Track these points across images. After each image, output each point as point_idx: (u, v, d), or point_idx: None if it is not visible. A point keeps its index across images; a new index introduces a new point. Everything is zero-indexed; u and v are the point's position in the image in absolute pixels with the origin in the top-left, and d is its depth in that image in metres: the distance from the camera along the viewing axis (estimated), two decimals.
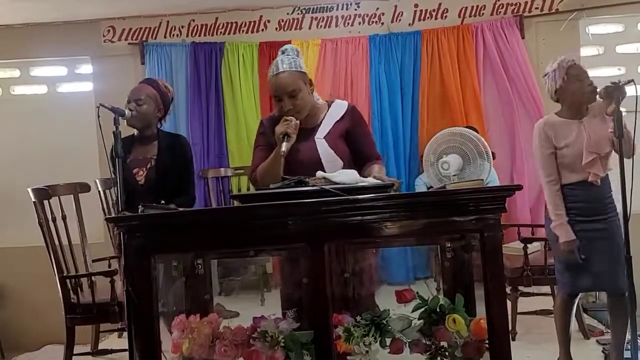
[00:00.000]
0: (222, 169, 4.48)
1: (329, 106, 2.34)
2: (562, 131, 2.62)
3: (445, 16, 4.49)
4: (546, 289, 3.47)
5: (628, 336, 2.59)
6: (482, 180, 1.89)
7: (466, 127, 4.10)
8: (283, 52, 2.29)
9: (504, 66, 4.35)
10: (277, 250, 2.13)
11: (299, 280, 1.85)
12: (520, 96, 4.32)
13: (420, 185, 4.16)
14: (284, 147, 2.12)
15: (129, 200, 2.62)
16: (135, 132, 2.81)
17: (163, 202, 2.54)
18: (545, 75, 2.69)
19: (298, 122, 2.18)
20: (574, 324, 2.81)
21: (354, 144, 2.29)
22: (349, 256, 2.02)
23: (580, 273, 2.59)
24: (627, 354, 2.62)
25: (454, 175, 2.04)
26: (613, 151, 2.53)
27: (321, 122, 2.29)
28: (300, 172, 2.02)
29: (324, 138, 2.25)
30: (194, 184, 2.85)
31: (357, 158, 2.29)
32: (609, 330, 2.86)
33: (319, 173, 1.97)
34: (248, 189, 4.38)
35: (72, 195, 3.19)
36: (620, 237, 2.44)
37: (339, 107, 2.32)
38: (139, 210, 1.85)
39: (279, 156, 2.14)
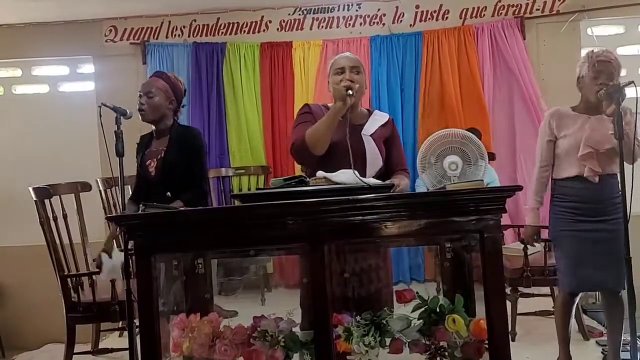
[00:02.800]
0: (223, 168, 4.48)
1: (370, 113, 2.44)
2: (566, 122, 2.63)
3: (446, 17, 4.49)
4: (546, 289, 3.47)
5: (626, 336, 2.60)
6: (482, 180, 1.89)
7: (468, 129, 4.11)
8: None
9: (505, 67, 4.35)
10: (277, 250, 2.13)
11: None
12: (520, 97, 4.33)
13: (421, 186, 4.16)
14: (349, 100, 2.17)
15: (144, 191, 2.66)
16: (153, 127, 2.83)
17: (169, 193, 2.56)
18: (581, 60, 2.67)
19: (358, 86, 2.24)
20: (573, 325, 2.82)
21: (389, 153, 2.39)
22: (349, 256, 2.03)
23: (582, 272, 2.59)
24: (625, 355, 2.63)
25: (454, 176, 2.05)
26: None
27: (366, 122, 2.37)
28: (344, 163, 2.03)
29: (370, 136, 2.33)
30: (205, 176, 2.84)
31: (387, 166, 2.38)
32: (607, 331, 2.86)
33: (319, 173, 1.97)
34: (249, 189, 4.39)
35: (73, 195, 3.20)
36: (622, 238, 2.44)
37: (381, 116, 2.45)
38: (140, 209, 1.86)
39: (337, 114, 2.18)
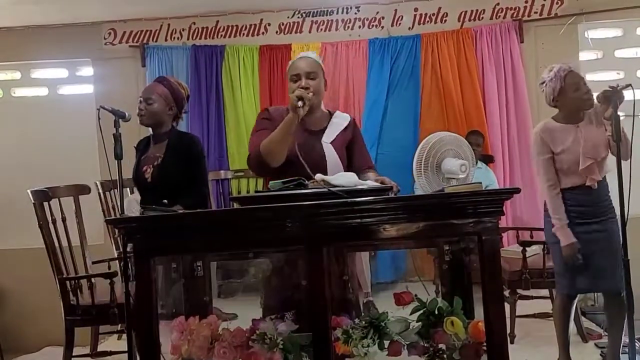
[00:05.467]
0: (222, 171, 4.48)
1: (331, 115, 2.39)
2: (559, 136, 2.64)
3: (445, 20, 4.50)
4: (545, 292, 3.47)
5: (625, 339, 2.60)
6: (481, 183, 1.90)
7: (471, 131, 4.12)
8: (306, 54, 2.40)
9: (502, 70, 4.37)
10: (276, 253, 2.13)
11: (296, 282, 1.86)
12: (514, 100, 4.35)
13: (419, 191, 4.15)
14: (301, 110, 2.11)
15: (142, 196, 2.68)
16: (151, 131, 2.84)
17: (166, 201, 2.56)
18: (542, 83, 2.70)
19: (311, 95, 2.18)
20: (572, 327, 2.82)
21: (352, 154, 2.37)
22: (348, 259, 2.03)
23: (579, 274, 2.61)
24: (624, 358, 2.63)
25: (452, 179, 2.04)
26: (610, 154, 2.55)
27: (326, 128, 2.34)
28: (303, 172, 2.00)
29: (331, 143, 2.30)
30: (204, 182, 2.83)
31: (351, 167, 2.35)
32: (607, 333, 2.86)
33: (318, 175, 1.97)
34: (248, 192, 4.39)
35: (72, 197, 3.19)
36: (618, 238, 2.46)
37: (342, 118, 2.40)
38: (139, 212, 1.87)
39: (290, 124, 2.13)
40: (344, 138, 2.35)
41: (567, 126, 2.65)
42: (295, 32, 4.58)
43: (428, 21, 4.51)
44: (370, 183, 1.98)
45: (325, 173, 2.13)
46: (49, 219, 2.96)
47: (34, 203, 2.92)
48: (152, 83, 2.88)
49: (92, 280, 2.95)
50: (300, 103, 2.11)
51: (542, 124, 2.73)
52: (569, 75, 2.60)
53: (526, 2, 4.42)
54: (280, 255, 1.96)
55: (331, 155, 2.28)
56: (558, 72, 2.63)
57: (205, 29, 4.59)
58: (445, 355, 1.80)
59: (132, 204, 2.87)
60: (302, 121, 2.22)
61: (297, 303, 1.93)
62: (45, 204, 2.95)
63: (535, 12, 4.41)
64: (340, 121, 2.37)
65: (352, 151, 2.37)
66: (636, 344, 2.40)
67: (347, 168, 2.34)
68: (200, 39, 4.59)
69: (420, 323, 1.84)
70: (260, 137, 2.22)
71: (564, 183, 2.64)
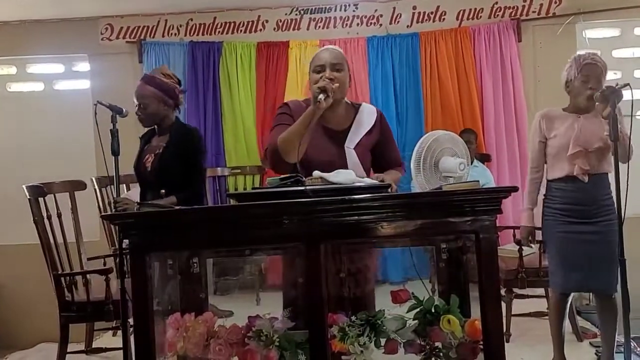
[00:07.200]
0: (219, 168, 4.48)
1: (356, 110, 2.25)
2: (556, 123, 2.65)
3: (443, 19, 4.50)
4: (540, 291, 3.48)
5: (620, 338, 2.61)
6: (478, 181, 1.89)
7: (464, 129, 4.13)
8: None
9: (499, 69, 4.37)
10: (273, 250, 2.13)
11: (295, 280, 1.85)
12: (511, 100, 4.35)
13: (417, 188, 4.15)
14: (323, 104, 1.98)
15: (141, 186, 2.70)
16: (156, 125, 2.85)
17: (164, 191, 2.56)
18: (567, 64, 2.68)
19: (337, 85, 2.07)
20: (567, 326, 2.83)
21: (380, 150, 2.26)
22: (344, 256, 2.03)
23: (572, 273, 2.61)
24: (619, 357, 2.63)
25: (449, 177, 2.04)
26: (610, 153, 2.53)
27: (350, 127, 2.21)
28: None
29: (354, 149, 2.19)
30: (201, 179, 2.83)
31: (380, 163, 2.27)
32: (601, 334, 2.87)
33: (316, 172, 1.96)
34: (245, 189, 4.38)
35: (67, 193, 3.18)
36: (616, 241, 2.44)
37: (369, 115, 2.24)
38: (135, 208, 1.86)
39: (310, 118, 2.02)
40: (371, 140, 2.22)
41: (569, 115, 2.66)
42: (293, 29, 4.57)
43: (426, 19, 4.51)
44: (368, 181, 1.98)
45: None
46: (45, 214, 2.94)
47: (29, 198, 2.91)
48: (140, 85, 2.80)
49: (87, 276, 2.94)
50: (322, 96, 2.00)
51: (545, 110, 2.73)
52: (586, 67, 2.57)
53: (524, 1, 4.43)
54: (292, 250, 1.94)
55: (353, 162, 2.15)
56: (578, 59, 2.61)
57: (202, 25, 4.58)
58: (441, 354, 1.80)
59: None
60: (323, 118, 2.12)
61: (294, 300, 1.93)
62: (41, 199, 2.93)
63: (533, 12, 4.42)
64: (366, 118, 2.21)
65: (381, 148, 2.25)
66: (632, 343, 2.40)
67: (376, 164, 2.25)
68: (197, 35, 4.58)
69: (416, 321, 1.83)
70: (278, 132, 2.13)
71: (552, 172, 2.65)
